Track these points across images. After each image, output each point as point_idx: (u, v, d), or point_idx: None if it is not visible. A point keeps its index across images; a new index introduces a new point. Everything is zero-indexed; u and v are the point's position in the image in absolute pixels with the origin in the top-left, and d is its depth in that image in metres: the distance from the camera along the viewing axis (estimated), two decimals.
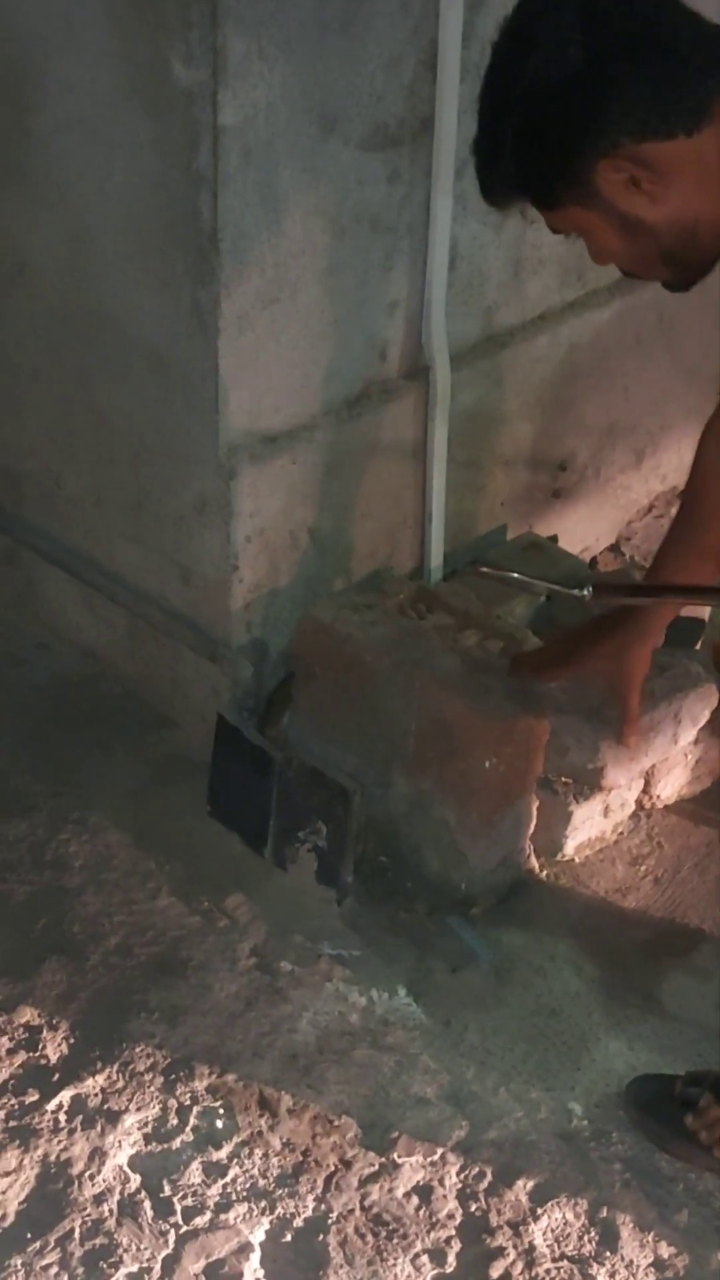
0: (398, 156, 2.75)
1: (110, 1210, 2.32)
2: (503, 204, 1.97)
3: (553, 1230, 2.34)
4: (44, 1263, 2.24)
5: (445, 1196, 2.37)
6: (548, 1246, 2.31)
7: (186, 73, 2.43)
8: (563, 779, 2.92)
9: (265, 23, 2.40)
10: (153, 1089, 2.50)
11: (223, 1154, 2.41)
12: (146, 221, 2.65)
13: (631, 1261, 2.30)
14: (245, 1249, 2.28)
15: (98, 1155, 2.39)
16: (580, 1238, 2.33)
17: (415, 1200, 2.37)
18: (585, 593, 2.56)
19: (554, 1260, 2.29)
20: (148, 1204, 2.33)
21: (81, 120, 2.66)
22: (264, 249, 2.61)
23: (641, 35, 1.74)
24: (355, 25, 2.54)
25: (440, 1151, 2.44)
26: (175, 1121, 2.46)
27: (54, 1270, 2.23)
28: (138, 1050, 2.56)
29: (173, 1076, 2.52)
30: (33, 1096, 2.49)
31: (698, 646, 3.16)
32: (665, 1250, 2.32)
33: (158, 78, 2.48)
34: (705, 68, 1.77)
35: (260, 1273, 2.25)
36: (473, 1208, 2.36)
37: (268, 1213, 2.33)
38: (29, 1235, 2.28)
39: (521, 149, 1.84)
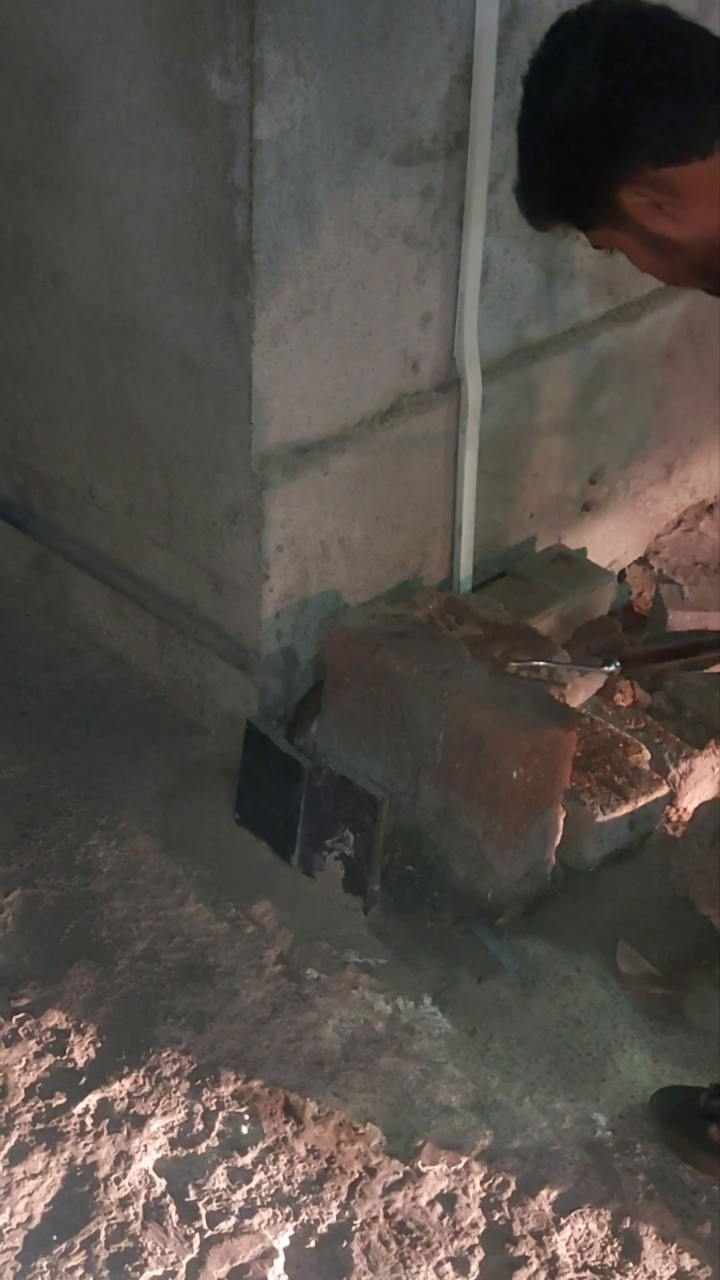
0: (432, 171, 2.77)
1: (135, 1214, 2.33)
2: (543, 228, 2.05)
3: (576, 1240, 2.34)
4: (69, 1265, 2.25)
5: (469, 1205, 2.38)
6: (571, 1256, 2.31)
7: (223, 86, 2.45)
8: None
9: (302, 37, 2.42)
10: (179, 1094, 2.52)
11: (248, 1160, 2.42)
12: (182, 233, 2.67)
13: (654, 1273, 2.30)
14: (269, 1254, 2.29)
15: (123, 1159, 2.41)
16: (603, 1248, 2.33)
17: (439, 1208, 2.37)
18: (614, 668, 2.67)
19: (577, 1270, 2.30)
20: (173, 1208, 2.34)
21: (119, 131, 2.69)
22: (298, 261, 2.63)
23: (656, 67, 1.81)
24: (391, 40, 2.56)
25: (464, 1160, 2.45)
26: (201, 1126, 2.47)
27: (79, 1272, 2.24)
28: (164, 1055, 2.58)
29: (199, 1082, 2.54)
30: (60, 1100, 2.50)
31: None
32: (688, 1262, 2.32)
33: (195, 91, 2.50)
34: (717, 93, 1.83)
35: (284, 1278, 2.26)
36: (496, 1217, 2.37)
37: (292, 1219, 2.34)
38: (54, 1237, 2.29)
39: (552, 177, 1.93)
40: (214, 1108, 2.50)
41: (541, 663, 2.83)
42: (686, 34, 1.86)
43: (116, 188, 2.76)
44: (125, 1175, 2.38)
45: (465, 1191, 2.40)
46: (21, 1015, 2.63)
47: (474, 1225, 2.35)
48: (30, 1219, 2.32)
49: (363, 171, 2.65)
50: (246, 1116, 2.49)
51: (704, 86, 1.82)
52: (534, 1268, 2.29)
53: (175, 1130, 2.46)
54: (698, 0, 2.96)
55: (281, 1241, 2.31)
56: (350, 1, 2.46)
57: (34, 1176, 2.38)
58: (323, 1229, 2.33)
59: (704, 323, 3.62)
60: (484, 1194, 2.40)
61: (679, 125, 1.81)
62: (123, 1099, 2.50)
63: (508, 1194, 2.40)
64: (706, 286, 2.02)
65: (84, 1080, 2.53)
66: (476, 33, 2.67)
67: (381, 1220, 2.35)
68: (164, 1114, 2.48)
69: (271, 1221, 2.33)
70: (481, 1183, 2.42)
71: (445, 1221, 2.35)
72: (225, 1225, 2.32)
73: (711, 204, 1.87)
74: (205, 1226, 2.32)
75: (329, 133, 2.55)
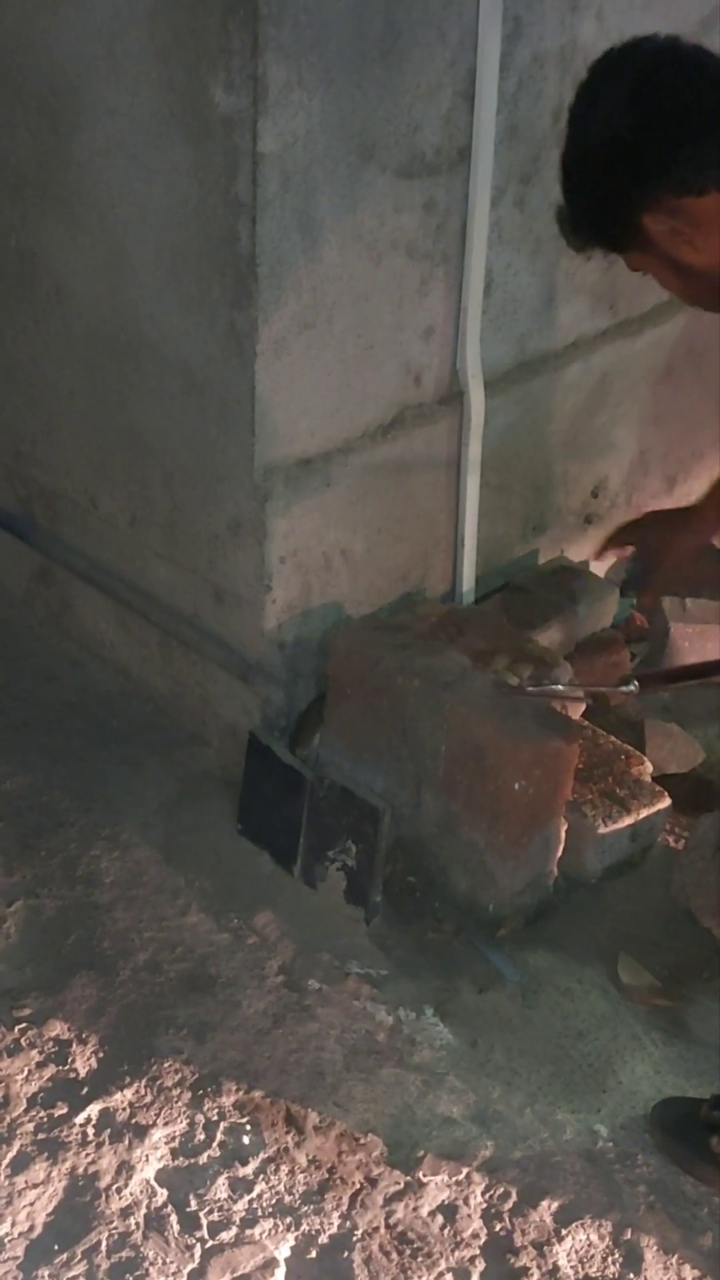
0: (434, 185, 2.78)
1: (137, 1224, 2.33)
2: (581, 249, 2.13)
3: (577, 1251, 2.34)
4: (70, 1274, 2.25)
5: (470, 1216, 2.38)
6: (571, 1268, 2.31)
7: (227, 100, 2.47)
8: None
9: (305, 52, 2.43)
10: (180, 1104, 2.52)
11: (249, 1170, 2.42)
12: (185, 246, 2.68)
13: None
14: (270, 1265, 2.28)
15: (125, 1169, 2.41)
16: (604, 1259, 2.33)
17: (440, 1219, 2.37)
18: (633, 687, 2.68)
19: None
20: (174, 1218, 2.34)
21: (122, 145, 2.70)
22: (301, 274, 2.64)
23: (683, 104, 1.89)
24: (394, 55, 2.58)
25: (465, 1171, 2.45)
26: (202, 1137, 2.47)
27: None
28: (166, 1065, 2.58)
29: (200, 1092, 2.54)
30: (61, 1110, 2.50)
31: None
32: (689, 1273, 2.32)
33: (198, 105, 2.51)
34: None
35: None
36: (497, 1227, 2.37)
37: (293, 1229, 2.34)
38: (56, 1247, 2.29)
39: (584, 200, 2.02)
40: (215, 1118, 2.50)
41: (558, 685, 2.84)
42: (717, 73, 1.93)
43: (120, 201, 2.77)
44: (127, 1185, 2.38)
45: (466, 1202, 2.40)
46: (24, 1025, 2.63)
47: (475, 1236, 2.35)
48: (32, 1228, 2.32)
49: (365, 185, 2.66)
50: (248, 1127, 2.49)
51: None
52: (535, 1278, 2.29)
53: (177, 1140, 2.46)
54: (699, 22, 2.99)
55: (283, 1252, 2.30)
56: (353, 16, 2.48)
57: (35, 1186, 2.38)
58: (324, 1239, 2.33)
59: (705, 339, 3.63)
60: (485, 1204, 2.40)
61: (700, 160, 1.89)
62: (124, 1109, 2.50)
63: (509, 1205, 2.40)
64: None
65: (86, 1090, 2.54)
66: (479, 48, 2.69)
67: (383, 1231, 2.35)
68: (165, 1124, 2.48)
69: (273, 1232, 2.33)
70: (483, 1193, 2.42)
71: (446, 1232, 2.35)
72: (226, 1235, 2.32)
73: None
74: (206, 1236, 2.32)
75: (332, 147, 2.56)
